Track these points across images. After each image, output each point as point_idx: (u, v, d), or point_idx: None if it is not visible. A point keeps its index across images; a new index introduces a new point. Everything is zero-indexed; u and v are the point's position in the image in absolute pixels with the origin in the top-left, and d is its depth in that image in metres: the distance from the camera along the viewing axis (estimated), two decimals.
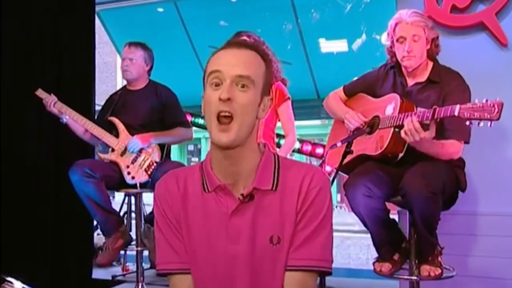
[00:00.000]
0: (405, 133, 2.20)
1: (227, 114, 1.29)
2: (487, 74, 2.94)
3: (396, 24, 2.47)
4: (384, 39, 2.61)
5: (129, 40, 3.44)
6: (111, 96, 3.45)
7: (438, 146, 2.29)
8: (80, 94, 3.82)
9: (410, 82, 2.53)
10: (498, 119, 2.02)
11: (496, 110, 2.00)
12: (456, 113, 2.09)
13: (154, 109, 3.28)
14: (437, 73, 2.49)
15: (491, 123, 2.04)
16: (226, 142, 1.30)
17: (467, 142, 2.36)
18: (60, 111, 3.21)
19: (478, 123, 2.06)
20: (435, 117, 2.17)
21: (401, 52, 2.46)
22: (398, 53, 2.49)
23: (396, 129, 2.32)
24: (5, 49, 3.76)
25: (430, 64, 2.52)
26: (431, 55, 2.50)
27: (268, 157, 1.40)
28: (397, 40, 2.47)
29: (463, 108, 2.08)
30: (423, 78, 2.50)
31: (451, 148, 2.33)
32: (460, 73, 2.47)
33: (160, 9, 7.46)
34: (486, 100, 2.04)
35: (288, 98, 3.17)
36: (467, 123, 2.10)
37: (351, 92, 2.73)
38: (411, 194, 2.22)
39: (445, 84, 2.43)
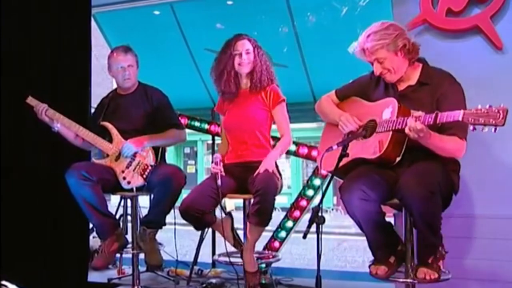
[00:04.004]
0: (409, 129, 2.21)
1: None
2: (481, 77, 2.95)
3: (364, 51, 2.48)
4: None
5: (124, 43, 3.42)
6: (102, 100, 3.42)
7: (437, 139, 2.29)
8: (76, 97, 3.81)
9: (402, 85, 2.54)
10: (503, 124, 2.03)
11: (501, 116, 2.02)
12: (460, 118, 2.10)
13: (147, 113, 3.26)
14: (427, 75, 2.50)
15: (495, 129, 2.05)
16: None
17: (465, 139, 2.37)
18: (51, 118, 3.19)
19: (482, 129, 2.07)
20: (437, 122, 2.18)
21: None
22: None
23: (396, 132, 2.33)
24: (4, 49, 3.75)
25: (419, 66, 2.54)
26: (410, 60, 2.49)
27: None
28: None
29: (467, 114, 2.09)
30: (413, 81, 2.52)
31: (452, 143, 2.33)
32: (451, 73, 2.48)
33: (156, 12, 7.44)
34: (490, 106, 2.05)
35: (283, 100, 3.15)
36: (471, 128, 2.11)
37: (343, 95, 2.73)
38: (409, 195, 2.24)
39: (437, 85, 2.44)
